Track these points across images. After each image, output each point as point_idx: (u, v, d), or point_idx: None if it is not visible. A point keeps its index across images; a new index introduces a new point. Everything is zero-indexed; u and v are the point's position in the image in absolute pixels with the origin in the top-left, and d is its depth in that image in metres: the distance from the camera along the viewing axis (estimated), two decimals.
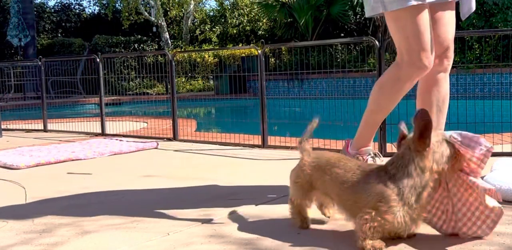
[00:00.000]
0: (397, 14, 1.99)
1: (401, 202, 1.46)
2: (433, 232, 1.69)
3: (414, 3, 1.93)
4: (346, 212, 1.62)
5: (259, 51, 3.83)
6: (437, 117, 2.23)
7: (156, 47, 17.38)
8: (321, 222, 1.85)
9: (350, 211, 1.58)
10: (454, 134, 1.55)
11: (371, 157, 2.26)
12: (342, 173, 1.61)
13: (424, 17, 1.98)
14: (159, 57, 14.23)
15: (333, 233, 1.73)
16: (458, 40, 10.70)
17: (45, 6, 21.17)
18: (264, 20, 17.07)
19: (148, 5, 18.10)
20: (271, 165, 3.10)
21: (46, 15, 20.65)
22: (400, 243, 1.59)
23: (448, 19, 2.12)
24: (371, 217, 1.47)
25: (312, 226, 1.80)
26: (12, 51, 18.19)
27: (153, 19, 17.03)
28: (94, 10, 28.78)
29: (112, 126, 5.10)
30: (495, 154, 3.05)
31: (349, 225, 1.67)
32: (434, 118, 2.13)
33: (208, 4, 42.39)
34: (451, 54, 2.14)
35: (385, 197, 1.46)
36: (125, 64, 13.75)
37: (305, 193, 1.74)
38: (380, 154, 2.30)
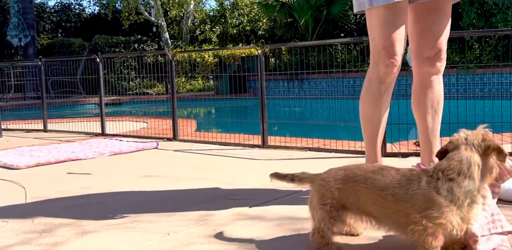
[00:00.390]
0: (367, 13, 2.04)
1: (454, 206, 1.35)
2: None
3: (381, 3, 1.94)
4: (388, 223, 1.47)
5: (259, 51, 3.83)
6: (433, 119, 2.21)
7: (156, 47, 17.38)
8: None
9: (393, 220, 1.44)
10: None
11: None
12: (380, 179, 1.44)
13: (392, 17, 1.96)
14: (159, 57, 14.23)
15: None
16: (458, 40, 10.70)
17: (45, 6, 21.18)
18: (264, 20, 17.07)
19: (148, 5, 18.11)
20: (271, 165, 3.10)
21: (46, 15, 20.65)
22: None
23: (437, 21, 2.08)
24: (424, 227, 1.35)
25: (310, 223, 1.80)
26: (12, 51, 18.19)
27: (153, 19, 17.04)
28: (94, 10, 28.80)
29: (112, 126, 5.10)
30: None
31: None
32: (429, 120, 2.17)
33: (208, 4, 42.40)
34: (443, 56, 2.12)
35: (437, 203, 1.35)
36: (125, 64, 13.75)
37: (336, 216, 1.49)
38: None
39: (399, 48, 2.01)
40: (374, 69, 2.08)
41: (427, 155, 2.20)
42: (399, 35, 2.00)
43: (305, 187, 2.16)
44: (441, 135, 3.55)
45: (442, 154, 1.46)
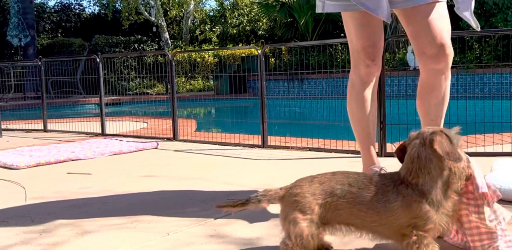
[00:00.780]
0: (343, 15, 2.07)
1: (434, 208, 1.35)
2: None
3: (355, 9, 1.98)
4: (375, 235, 1.44)
5: (259, 51, 3.83)
6: (435, 120, 2.20)
7: (156, 47, 17.38)
8: None
9: (379, 232, 1.41)
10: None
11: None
12: (358, 192, 1.40)
13: (366, 19, 2.00)
14: (159, 57, 14.22)
15: None
16: (458, 40, 10.70)
17: (45, 6, 21.17)
18: (264, 20, 17.07)
19: (148, 5, 18.11)
20: (271, 165, 3.10)
21: (46, 15, 20.65)
22: None
23: (431, 20, 2.02)
24: (418, 237, 1.34)
25: None
26: (12, 51, 18.19)
27: (153, 19, 17.04)
28: (94, 10, 28.79)
29: (112, 126, 5.10)
30: (495, 154, 3.05)
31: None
32: (431, 121, 2.16)
33: (208, 4, 42.41)
34: (448, 51, 2.00)
35: (417, 211, 1.35)
36: (125, 64, 13.75)
37: (316, 232, 1.41)
38: (385, 169, 2.16)
39: (378, 48, 2.05)
40: (355, 70, 2.11)
41: None
42: (377, 35, 2.04)
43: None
44: None
45: (402, 151, 1.46)
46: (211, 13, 19.49)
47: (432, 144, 1.37)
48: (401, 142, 1.49)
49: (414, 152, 1.39)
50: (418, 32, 2.00)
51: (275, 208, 2.07)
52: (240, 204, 1.48)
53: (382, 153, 3.22)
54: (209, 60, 14.34)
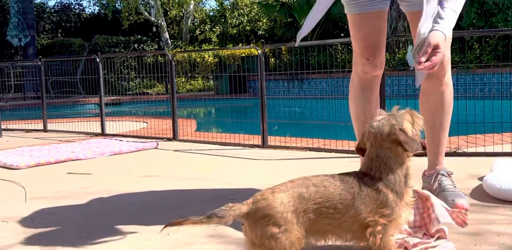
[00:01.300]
0: (348, 17, 2.15)
1: (398, 198, 1.41)
2: None
3: (352, 11, 2.09)
4: (344, 234, 1.43)
5: (259, 51, 3.83)
6: (433, 127, 2.20)
7: (156, 47, 17.38)
8: None
9: (348, 229, 1.41)
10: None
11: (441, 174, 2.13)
12: (325, 190, 1.40)
13: (365, 22, 2.08)
14: (159, 57, 14.23)
15: None
16: (458, 40, 10.70)
17: (45, 6, 21.17)
18: (264, 20, 17.07)
19: (148, 5, 18.11)
20: (271, 165, 3.10)
21: (46, 15, 20.65)
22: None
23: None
24: (382, 227, 1.38)
25: None
26: (12, 51, 18.18)
27: (153, 19, 17.04)
28: (94, 10, 28.79)
29: (112, 126, 5.10)
30: (495, 154, 3.05)
31: None
32: (429, 127, 2.18)
33: (208, 4, 42.42)
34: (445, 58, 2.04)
35: (384, 199, 1.40)
36: (125, 64, 13.75)
37: (298, 239, 1.37)
38: None
39: (375, 49, 2.09)
40: (354, 68, 2.18)
41: (430, 159, 2.23)
42: (373, 37, 2.09)
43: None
44: None
45: (361, 150, 1.51)
46: (211, 13, 19.49)
47: (395, 143, 1.43)
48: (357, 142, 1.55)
49: (372, 152, 1.45)
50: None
51: None
52: (199, 221, 1.37)
53: None
54: (209, 60, 14.34)
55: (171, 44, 17.25)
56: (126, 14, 16.91)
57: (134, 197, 2.36)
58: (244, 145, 3.87)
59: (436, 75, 2.07)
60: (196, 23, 18.86)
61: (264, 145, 3.77)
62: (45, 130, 5.48)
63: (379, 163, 1.43)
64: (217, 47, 16.59)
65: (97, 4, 22.57)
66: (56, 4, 22.41)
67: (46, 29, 20.53)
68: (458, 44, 10.62)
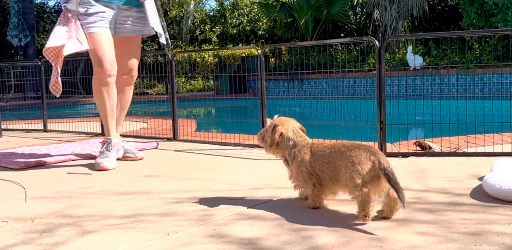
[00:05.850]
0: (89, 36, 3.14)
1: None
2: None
3: (91, 31, 3.13)
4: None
5: (259, 51, 3.83)
6: (120, 112, 3.47)
7: (156, 47, 17.38)
8: (323, 222, 1.85)
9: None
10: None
11: (106, 143, 3.22)
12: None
13: (102, 39, 3.13)
14: (159, 57, 14.22)
15: (332, 231, 1.73)
16: (458, 40, 10.71)
17: (45, 6, 21.18)
18: (264, 20, 17.07)
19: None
20: (271, 165, 3.10)
21: (46, 15, 20.65)
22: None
23: (133, 51, 3.38)
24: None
25: (310, 223, 1.80)
26: (12, 51, 18.19)
27: None
28: None
29: None
30: (495, 154, 3.05)
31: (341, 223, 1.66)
32: (117, 113, 3.39)
33: (208, 4, 42.39)
34: (134, 74, 3.44)
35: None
36: None
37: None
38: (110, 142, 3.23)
39: (108, 61, 3.14)
40: (95, 72, 3.20)
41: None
42: (107, 52, 3.14)
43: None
44: (443, 134, 3.55)
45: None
46: (211, 13, 19.49)
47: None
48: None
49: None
50: (121, 57, 3.33)
51: (275, 208, 2.07)
52: None
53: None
54: (209, 60, 14.34)
55: (171, 44, 17.25)
56: None
57: (134, 197, 2.36)
58: (244, 145, 3.87)
59: (131, 82, 3.53)
60: (196, 23, 18.86)
61: None
62: (45, 130, 5.48)
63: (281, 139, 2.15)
64: (217, 47, 16.59)
65: None
66: (56, 4, 22.39)
67: (46, 29, 20.53)
68: (458, 44, 10.63)
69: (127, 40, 3.34)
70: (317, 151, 1.99)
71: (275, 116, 2.20)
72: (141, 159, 3.40)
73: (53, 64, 3.15)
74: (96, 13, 3.13)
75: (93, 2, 3.13)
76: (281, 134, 2.10)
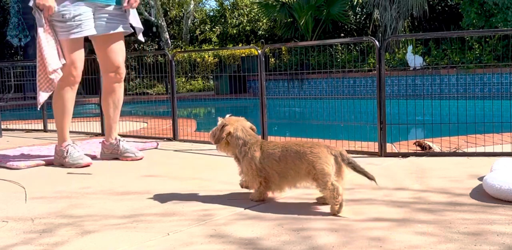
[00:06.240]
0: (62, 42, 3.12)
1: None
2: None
3: (70, 36, 3.08)
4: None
5: (259, 51, 3.83)
6: (114, 111, 3.45)
7: (156, 47, 17.38)
8: (321, 219, 1.85)
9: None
10: None
11: (71, 145, 3.24)
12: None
13: (76, 45, 3.16)
14: (159, 57, 14.22)
15: (332, 231, 1.73)
16: (458, 40, 10.71)
17: None
18: (264, 20, 17.07)
19: (148, 5, 18.11)
20: None
21: None
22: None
23: (116, 48, 3.34)
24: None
25: (310, 223, 1.80)
26: (12, 51, 18.18)
27: (153, 19, 17.03)
28: None
29: None
30: (495, 154, 3.05)
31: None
32: (111, 112, 3.43)
33: (208, 4, 42.40)
34: (122, 71, 3.39)
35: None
36: (125, 64, 13.74)
37: None
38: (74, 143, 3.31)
39: (80, 64, 3.21)
40: (63, 77, 3.16)
41: (108, 134, 3.47)
42: (78, 55, 3.19)
43: (306, 187, 2.17)
44: (443, 134, 3.55)
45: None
46: (211, 13, 19.49)
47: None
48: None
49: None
50: (106, 55, 3.36)
51: (275, 208, 2.07)
52: None
53: (381, 153, 3.21)
54: (209, 60, 14.34)
55: (171, 44, 17.25)
56: None
57: (134, 197, 2.36)
58: None
59: (120, 80, 3.42)
60: (196, 23, 18.86)
61: None
62: (45, 130, 5.48)
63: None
64: (217, 47, 16.59)
65: None
66: None
67: None
68: (458, 44, 10.62)
69: (108, 38, 3.29)
70: (267, 149, 2.12)
71: (227, 115, 2.29)
72: (141, 158, 3.40)
73: (46, 76, 3.12)
74: (73, 17, 3.06)
75: (69, 6, 3.05)
76: (229, 133, 2.20)
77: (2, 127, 5.28)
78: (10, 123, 6.27)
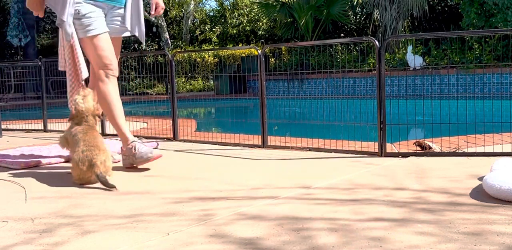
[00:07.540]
0: (84, 40, 3.05)
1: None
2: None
3: (94, 33, 3.02)
4: None
5: (259, 51, 3.83)
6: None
7: (156, 47, 17.38)
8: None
9: None
10: None
11: (136, 142, 3.11)
12: None
13: (105, 42, 3.06)
14: (159, 57, 14.22)
15: (332, 231, 1.73)
16: (458, 40, 10.70)
17: (45, 6, 21.14)
18: (264, 20, 17.07)
19: (148, 5, 18.10)
20: (271, 165, 3.10)
21: (46, 15, 20.63)
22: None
23: (117, 51, 3.27)
24: None
25: (310, 223, 1.80)
26: (12, 51, 18.18)
27: (153, 19, 17.03)
28: None
29: None
30: (495, 154, 3.05)
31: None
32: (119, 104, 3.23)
33: (208, 4, 42.39)
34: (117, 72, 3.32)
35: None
36: (125, 64, 13.75)
37: None
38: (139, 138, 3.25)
39: (114, 62, 3.12)
40: (99, 75, 3.13)
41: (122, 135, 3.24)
42: (112, 54, 3.10)
43: (308, 186, 2.17)
44: (443, 134, 3.55)
45: None
46: (211, 13, 19.49)
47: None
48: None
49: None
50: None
51: (275, 208, 2.07)
52: None
53: (381, 153, 3.21)
54: (209, 60, 14.34)
55: (171, 44, 17.25)
56: None
57: (134, 197, 2.36)
58: (244, 145, 3.87)
59: (116, 74, 3.19)
60: (196, 23, 18.86)
61: (264, 145, 3.77)
62: (45, 130, 5.48)
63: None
64: (217, 47, 16.59)
65: None
66: None
67: (46, 29, 20.52)
68: (458, 44, 10.62)
69: (112, 40, 3.20)
70: None
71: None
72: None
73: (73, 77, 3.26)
74: (88, 13, 3.00)
75: (83, 3, 3.00)
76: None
77: (2, 126, 5.28)
78: (10, 123, 6.26)
